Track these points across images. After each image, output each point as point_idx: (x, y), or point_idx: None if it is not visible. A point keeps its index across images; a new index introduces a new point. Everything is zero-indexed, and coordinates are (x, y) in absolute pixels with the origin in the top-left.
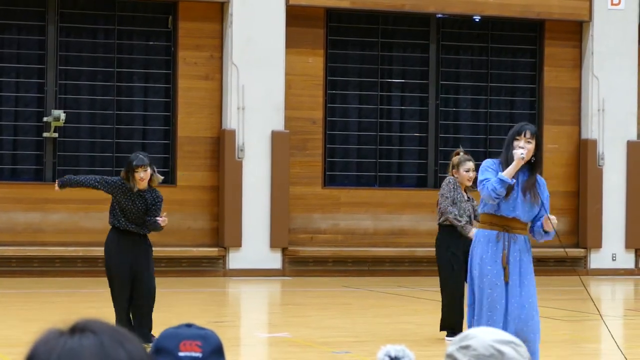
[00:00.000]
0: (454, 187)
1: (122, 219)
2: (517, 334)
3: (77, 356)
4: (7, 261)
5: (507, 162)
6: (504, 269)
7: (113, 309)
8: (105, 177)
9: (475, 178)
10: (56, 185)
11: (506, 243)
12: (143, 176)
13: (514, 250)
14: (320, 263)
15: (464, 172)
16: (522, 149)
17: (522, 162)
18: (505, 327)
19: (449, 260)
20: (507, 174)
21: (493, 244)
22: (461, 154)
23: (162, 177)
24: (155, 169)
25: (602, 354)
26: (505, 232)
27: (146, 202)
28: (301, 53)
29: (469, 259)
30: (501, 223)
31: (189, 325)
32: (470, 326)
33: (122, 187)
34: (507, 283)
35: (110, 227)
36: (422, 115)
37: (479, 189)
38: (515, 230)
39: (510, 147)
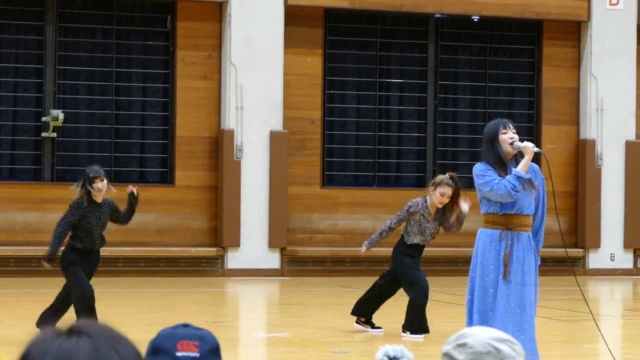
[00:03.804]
0: (416, 209)
1: (87, 240)
2: (514, 333)
3: (71, 358)
4: (6, 261)
5: (497, 162)
6: (505, 266)
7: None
8: (63, 218)
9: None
10: (46, 264)
11: (509, 242)
12: (101, 186)
13: (517, 249)
14: (319, 263)
15: (439, 194)
16: (528, 142)
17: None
18: (504, 327)
19: None
20: (522, 169)
21: (496, 243)
22: (447, 176)
23: (116, 191)
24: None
25: (600, 354)
26: (508, 231)
27: (106, 211)
28: (300, 53)
29: (473, 259)
30: (504, 222)
31: (185, 325)
32: (469, 325)
33: (82, 206)
34: (506, 281)
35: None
36: (420, 115)
37: (486, 189)
38: (519, 228)
39: (497, 144)
